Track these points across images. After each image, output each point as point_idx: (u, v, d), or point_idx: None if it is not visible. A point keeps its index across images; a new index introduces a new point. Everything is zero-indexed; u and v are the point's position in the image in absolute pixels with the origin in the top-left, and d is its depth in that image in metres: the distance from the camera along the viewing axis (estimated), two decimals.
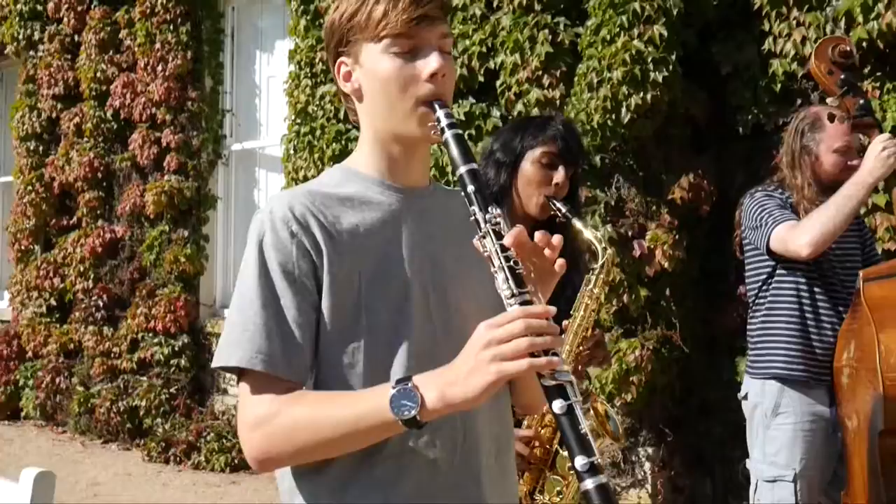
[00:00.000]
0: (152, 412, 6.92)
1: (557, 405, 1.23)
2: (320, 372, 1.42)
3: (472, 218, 1.35)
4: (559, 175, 2.45)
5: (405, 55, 1.43)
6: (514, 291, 1.28)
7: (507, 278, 1.29)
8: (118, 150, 7.50)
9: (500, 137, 2.56)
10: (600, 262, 2.40)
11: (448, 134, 1.40)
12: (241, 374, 1.39)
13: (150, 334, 7.06)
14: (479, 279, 1.48)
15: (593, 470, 1.19)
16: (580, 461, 1.20)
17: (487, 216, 1.34)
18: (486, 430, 1.47)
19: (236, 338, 1.38)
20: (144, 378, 7.10)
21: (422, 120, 1.43)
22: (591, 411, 2.44)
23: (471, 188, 1.36)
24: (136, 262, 7.36)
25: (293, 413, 1.34)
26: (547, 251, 1.40)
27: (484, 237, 1.33)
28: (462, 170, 1.38)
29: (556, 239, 1.40)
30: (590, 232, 2.44)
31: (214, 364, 1.40)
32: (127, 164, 7.38)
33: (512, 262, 1.30)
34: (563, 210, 2.41)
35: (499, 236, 1.32)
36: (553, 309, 1.28)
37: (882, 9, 3.87)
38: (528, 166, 2.46)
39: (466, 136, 4.87)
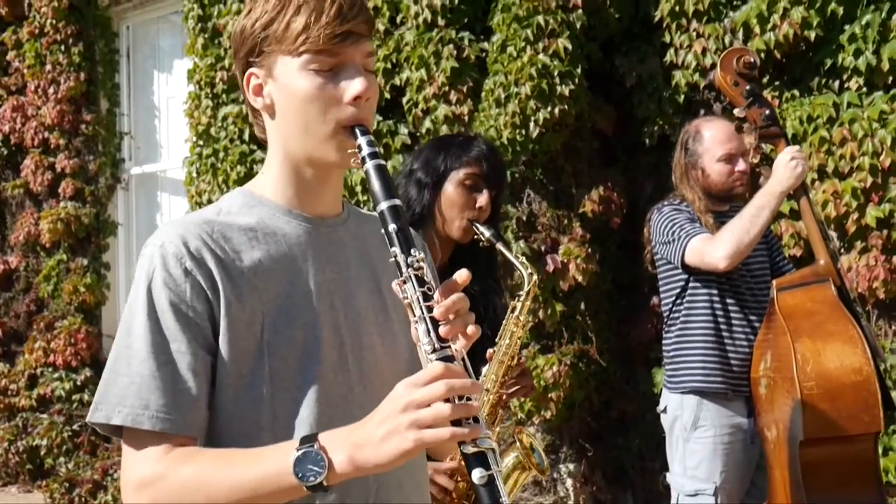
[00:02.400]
0: (54, 451, 6.59)
1: (477, 475, 1.14)
2: (218, 424, 1.29)
3: (393, 259, 1.24)
4: (483, 198, 2.36)
5: (326, 73, 1.30)
6: (436, 346, 1.18)
7: (428, 330, 1.19)
8: (9, 177, 7.16)
9: (420, 156, 2.46)
10: (526, 289, 2.31)
11: (370, 164, 1.27)
12: (122, 428, 1.25)
13: (50, 369, 6.74)
14: (396, 316, 1.39)
15: None
16: None
17: (409, 259, 1.23)
18: (400, 484, 1.36)
19: (120, 390, 1.24)
20: (45, 415, 6.75)
21: (341, 146, 1.31)
22: (517, 443, 2.35)
23: (392, 227, 1.25)
24: (32, 293, 7.02)
25: (183, 474, 1.21)
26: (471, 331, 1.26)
27: (405, 282, 1.23)
28: (383, 206, 1.26)
29: (472, 329, 1.27)
30: (514, 258, 2.35)
31: (93, 419, 1.26)
32: (19, 191, 7.05)
33: (435, 313, 1.20)
34: (487, 234, 2.33)
35: (421, 282, 1.22)
36: (479, 384, 1.18)
37: (778, 20, 3.95)
38: (452, 188, 2.37)
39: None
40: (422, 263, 1.23)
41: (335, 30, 1.28)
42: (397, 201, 1.27)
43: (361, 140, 1.29)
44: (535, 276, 2.32)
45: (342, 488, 1.25)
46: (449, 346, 1.19)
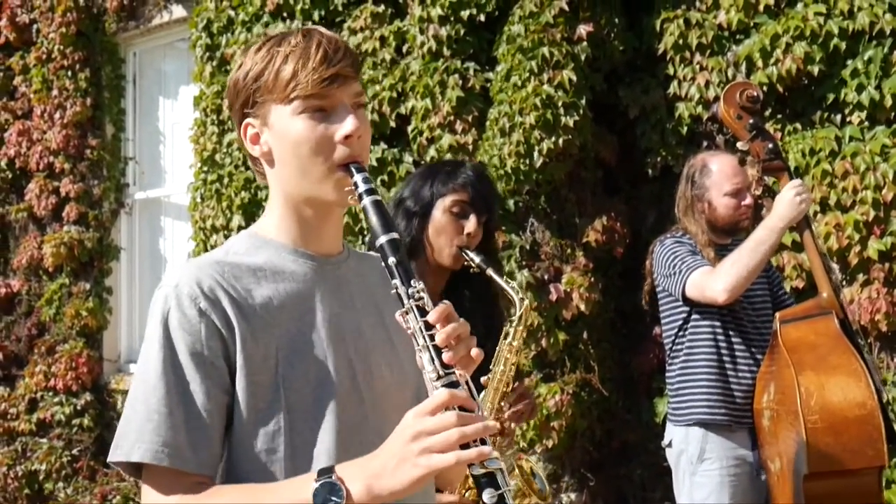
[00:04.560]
0: (53, 476, 6.57)
1: (487, 495, 1.18)
2: (237, 460, 1.32)
3: (394, 292, 1.29)
4: (471, 224, 2.35)
5: (317, 115, 1.35)
6: (440, 373, 1.23)
7: (432, 359, 1.23)
8: (13, 201, 7.19)
9: (409, 184, 2.47)
10: (518, 314, 2.32)
11: (367, 200, 1.33)
12: (141, 467, 1.28)
13: (51, 393, 6.72)
14: (401, 346, 1.43)
15: None
16: None
17: (410, 290, 1.27)
18: None
19: (138, 427, 1.27)
20: (44, 440, 6.74)
21: (338, 184, 1.36)
22: (516, 469, 2.35)
23: (392, 260, 1.29)
24: (34, 317, 7.02)
25: None
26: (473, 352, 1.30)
27: (407, 313, 1.27)
28: (382, 240, 1.31)
29: (476, 352, 1.31)
30: (505, 283, 2.35)
31: (113, 458, 1.29)
32: (23, 214, 7.08)
33: (437, 341, 1.24)
34: (477, 260, 2.33)
35: (423, 312, 1.26)
36: (487, 420, 1.21)
37: (780, 54, 3.99)
38: (439, 215, 2.37)
39: (379, 183, 4.74)
40: (422, 294, 1.27)
41: (322, 74, 1.33)
42: (396, 235, 1.32)
43: (357, 177, 1.34)
44: (526, 302, 2.34)
45: None
46: (453, 372, 1.23)
